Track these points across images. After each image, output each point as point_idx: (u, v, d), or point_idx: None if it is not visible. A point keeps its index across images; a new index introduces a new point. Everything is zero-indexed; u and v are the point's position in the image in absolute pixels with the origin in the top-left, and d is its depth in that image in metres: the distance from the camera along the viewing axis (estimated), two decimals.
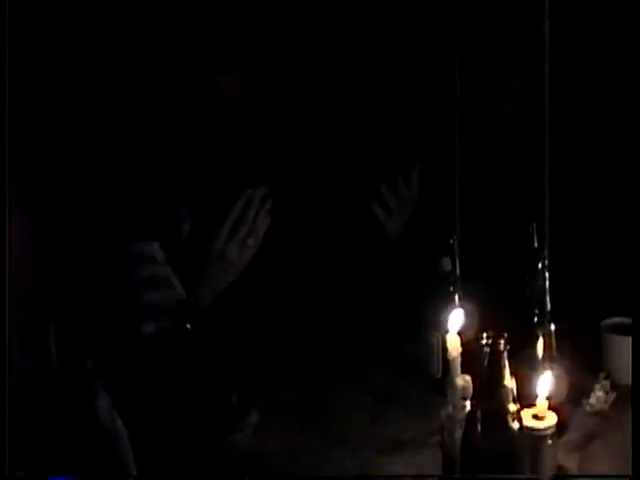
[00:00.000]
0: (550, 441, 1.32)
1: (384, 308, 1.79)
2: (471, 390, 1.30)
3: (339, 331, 1.74)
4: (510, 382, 1.25)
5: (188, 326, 1.36)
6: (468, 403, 1.30)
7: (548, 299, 1.43)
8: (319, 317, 1.76)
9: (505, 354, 1.24)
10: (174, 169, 1.73)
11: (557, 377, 1.36)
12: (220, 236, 1.66)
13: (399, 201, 1.82)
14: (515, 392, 1.25)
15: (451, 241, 1.50)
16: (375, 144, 2.01)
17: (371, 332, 1.73)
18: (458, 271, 1.49)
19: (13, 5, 1.68)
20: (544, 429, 1.31)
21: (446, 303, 1.45)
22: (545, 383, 1.34)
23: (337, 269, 1.83)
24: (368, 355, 1.67)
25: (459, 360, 1.33)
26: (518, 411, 1.26)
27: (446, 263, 1.51)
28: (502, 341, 1.23)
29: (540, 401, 1.33)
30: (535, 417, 1.32)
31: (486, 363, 1.24)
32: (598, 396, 1.50)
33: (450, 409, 1.32)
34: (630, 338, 1.50)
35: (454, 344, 1.34)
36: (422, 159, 1.87)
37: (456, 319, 1.37)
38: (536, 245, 1.46)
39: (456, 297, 1.46)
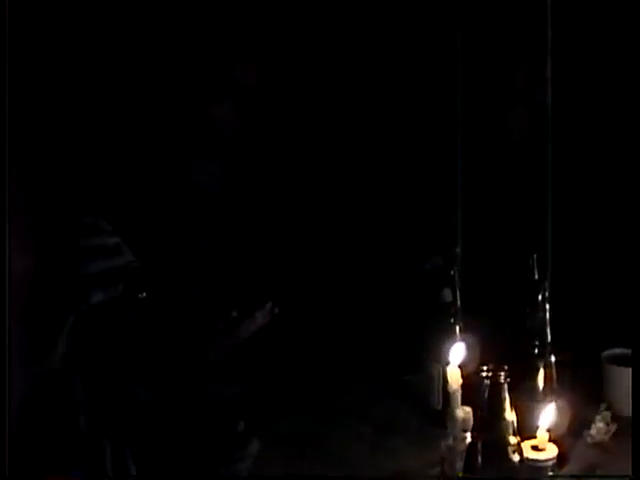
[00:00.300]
0: (551, 473, 1.32)
1: (385, 338, 1.79)
2: (472, 422, 1.31)
3: (340, 360, 1.75)
4: (510, 414, 1.26)
5: (143, 295, 1.35)
6: (469, 435, 1.31)
7: (549, 331, 1.43)
8: (321, 346, 1.77)
9: (505, 387, 1.25)
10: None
11: (558, 409, 1.36)
12: None
13: None
14: (516, 424, 1.26)
15: (452, 272, 1.51)
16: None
17: (372, 362, 1.73)
18: (459, 303, 1.49)
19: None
20: (545, 461, 1.31)
21: (447, 335, 1.46)
22: (546, 415, 1.34)
23: (339, 299, 1.83)
24: (369, 385, 1.68)
25: (460, 392, 1.34)
26: (519, 443, 1.26)
27: (447, 294, 1.52)
28: (502, 374, 1.25)
29: (541, 433, 1.33)
30: (536, 449, 1.32)
31: (487, 395, 1.25)
32: (599, 427, 1.50)
33: (451, 441, 1.32)
34: (630, 369, 1.52)
35: (455, 376, 1.35)
36: (423, 190, 1.89)
37: (457, 352, 1.38)
38: (537, 277, 1.47)
39: (457, 329, 1.47)
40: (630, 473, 1.35)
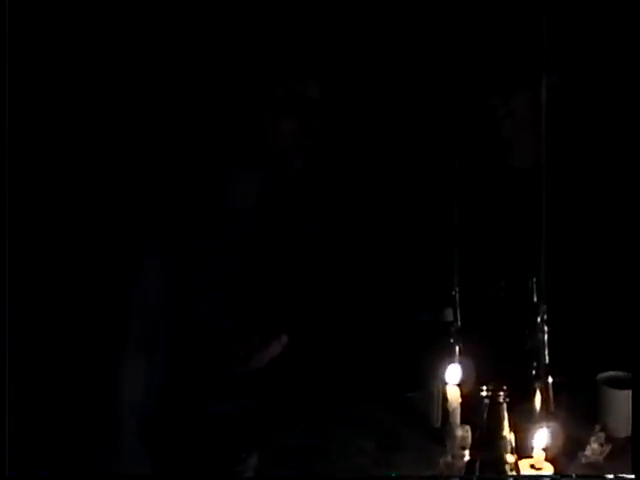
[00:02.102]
0: None
1: (387, 357, 1.82)
2: (470, 440, 1.34)
3: (343, 377, 1.77)
4: (509, 434, 1.29)
5: None
6: (467, 453, 1.34)
7: (546, 353, 1.46)
8: (325, 363, 1.79)
9: (505, 406, 1.29)
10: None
11: (554, 429, 1.39)
12: None
13: None
14: (513, 443, 1.30)
15: (453, 293, 1.55)
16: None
17: (374, 379, 1.76)
18: (459, 323, 1.53)
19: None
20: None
21: (447, 354, 1.49)
22: (542, 435, 1.38)
23: (341, 315, 1.86)
24: (371, 401, 1.69)
25: (459, 411, 1.37)
26: (516, 462, 1.30)
27: (448, 314, 1.55)
28: (502, 393, 1.28)
29: (537, 453, 1.37)
30: (532, 468, 1.36)
31: (486, 415, 1.29)
32: (593, 448, 1.52)
33: (449, 458, 1.35)
34: (625, 392, 1.55)
35: (454, 395, 1.38)
36: (424, 210, 1.92)
37: (456, 371, 1.41)
38: (535, 300, 1.50)
39: (457, 349, 1.50)
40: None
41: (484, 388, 1.28)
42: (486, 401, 1.27)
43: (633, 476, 1.37)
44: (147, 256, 1.70)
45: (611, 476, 1.40)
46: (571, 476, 1.45)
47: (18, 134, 1.75)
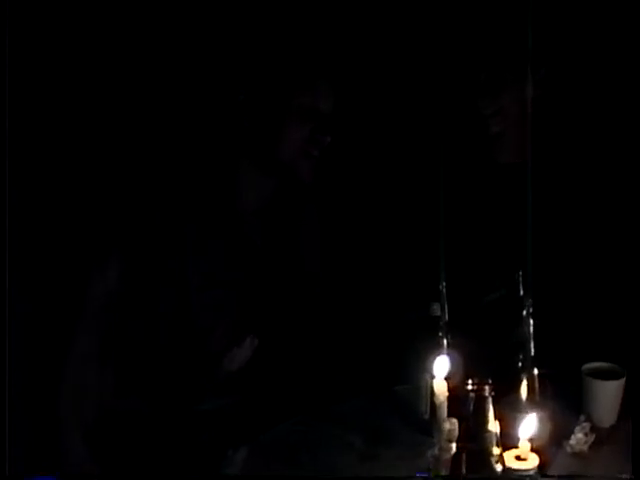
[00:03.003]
0: None
1: (375, 350, 1.85)
2: (457, 433, 1.37)
3: (331, 371, 1.80)
4: (494, 426, 1.32)
5: None
6: (454, 445, 1.37)
7: (532, 345, 1.49)
8: (313, 357, 1.82)
9: (490, 400, 1.31)
10: None
11: (539, 420, 1.42)
12: None
13: None
14: (499, 435, 1.32)
15: (440, 287, 1.57)
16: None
17: (362, 373, 1.78)
18: (446, 316, 1.55)
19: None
20: (526, 470, 1.37)
21: (435, 347, 1.51)
22: (528, 426, 1.40)
23: (329, 310, 1.88)
24: (359, 395, 1.71)
25: (446, 404, 1.40)
26: (501, 454, 1.33)
27: (436, 308, 1.58)
28: (487, 387, 1.31)
29: (523, 443, 1.39)
30: (518, 458, 1.37)
31: (472, 408, 1.32)
32: (578, 438, 1.54)
33: (436, 451, 1.38)
34: (609, 382, 1.58)
35: (441, 389, 1.41)
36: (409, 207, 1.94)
37: (443, 365, 1.43)
38: (522, 293, 1.53)
39: (444, 342, 1.52)
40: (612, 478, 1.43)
41: (470, 382, 1.31)
42: (472, 395, 1.31)
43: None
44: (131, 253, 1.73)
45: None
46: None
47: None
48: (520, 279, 1.54)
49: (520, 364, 1.48)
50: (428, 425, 1.51)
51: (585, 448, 1.54)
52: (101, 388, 1.72)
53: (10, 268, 1.66)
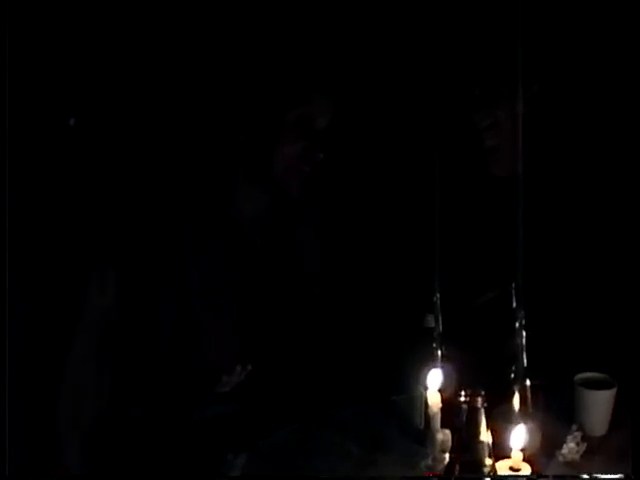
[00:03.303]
0: None
1: (372, 360, 1.87)
2: (450, 444, 1.39)
3: (328, 380, 1.82)
4: (487, 437, 1.34)
5: None
6: (447, 456, 1.39)
7: (524, 356, 1.51)
8: (311, 366, 1.84)
9: (482, 411, 1.34)
10: None
11: (531, 430, 1.44)
12: None
13: None
14: (491, 446, 1.35)
15: (434, 299, 1.59)
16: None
17: (359, 382, 1.80)
18: (440, 328, 1.57)
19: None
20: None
21: (429, 358, 1.54)
22: (520, 436, 1.43)
23: (326, 319, 1.90)
24: (356, 404, 1.73)
25: (439, 415, 1.42)
26: (493, 464, 1.35)
27: (430, 319, 1.60)
28: (480, 399, 1.33)
29: (515, 453, 1.41)
30: (511, 469, 1.40)
31: (464, 419, 1.34)
32: (570, 447, 1.56)
33: (430, 461, 1.40)
34: (600, 392, 1.61)
35: (435, 401, 1.43)
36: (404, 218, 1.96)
37: (435, 377, 1.45)
38: (515, 305, 1.55)
39: (438, 353, 1.55)
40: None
41: (463, 394, 1.33)
42: (465, 407, 1.33)
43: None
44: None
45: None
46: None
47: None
48: (513, 291, 1.56)
49: (513, 375, 1.50)
50: (424, 435, 1.54)
51: (577, 457, 1.56)
52: (99, 392, 1.73)
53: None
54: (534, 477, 1.40)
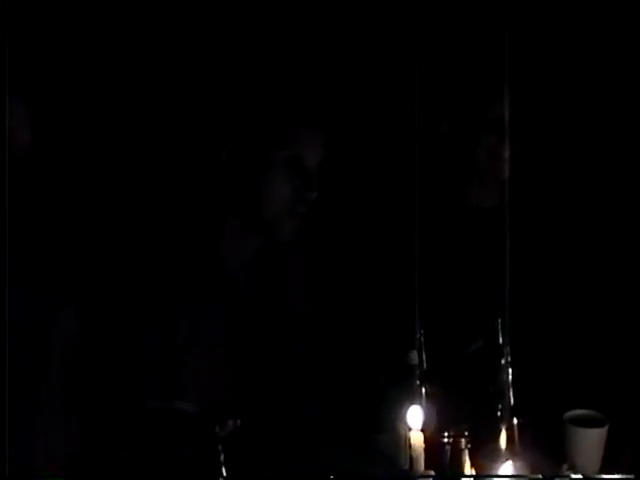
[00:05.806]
0: None
1: (354, 399, 1.83)
2: None
3: (309, 421, 1.78)
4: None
5: None
6: None
7: (511, 394, 1.48)
8: (290, 405, 1.80)
9: (466, 452, 1.31)
10: None
11: (515, 468, 1.40)
12: None
13: None
14: None
15: (418, 335, 1.56)
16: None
17: (342, 422, 1.77)
18: (425, 365, 1.54)
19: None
20: None
21: (413, 396, 1.50)
22: (505, 474, 1.39)
23: (308, 358, 1.87)
24: (338, 444, 1.70)
25: (423, 456, 1.38)
26: None
27: (413, 356, 1.56)
28: (463, 440, 1.31)
29: None
30: None
31: (448, 459, 1.31)
32: None
33: None
34: (592, 430, 1.57)
35: (418, 441, 1.39)
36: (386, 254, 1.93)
37: (417, 414, 1.42)
38: (501, 341, 1.52)
39: (422, 391, 1.51)
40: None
41: (446, 435, 1.30)
42: (447, 447, 1.30)
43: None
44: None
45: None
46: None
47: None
48: (499, 327, 1.54)
49: (499, 413, 1.47)
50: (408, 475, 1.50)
51: None
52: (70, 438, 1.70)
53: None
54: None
